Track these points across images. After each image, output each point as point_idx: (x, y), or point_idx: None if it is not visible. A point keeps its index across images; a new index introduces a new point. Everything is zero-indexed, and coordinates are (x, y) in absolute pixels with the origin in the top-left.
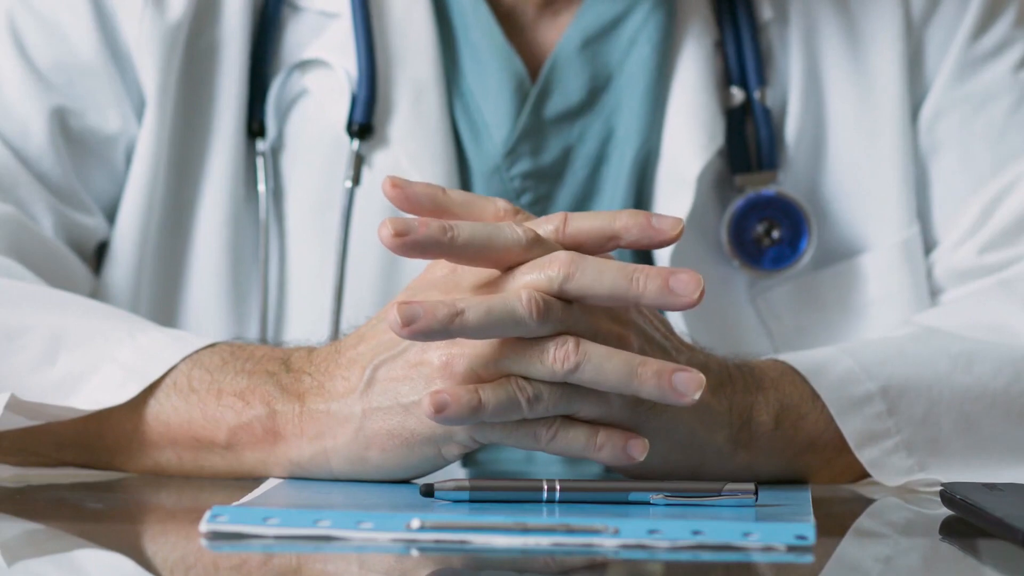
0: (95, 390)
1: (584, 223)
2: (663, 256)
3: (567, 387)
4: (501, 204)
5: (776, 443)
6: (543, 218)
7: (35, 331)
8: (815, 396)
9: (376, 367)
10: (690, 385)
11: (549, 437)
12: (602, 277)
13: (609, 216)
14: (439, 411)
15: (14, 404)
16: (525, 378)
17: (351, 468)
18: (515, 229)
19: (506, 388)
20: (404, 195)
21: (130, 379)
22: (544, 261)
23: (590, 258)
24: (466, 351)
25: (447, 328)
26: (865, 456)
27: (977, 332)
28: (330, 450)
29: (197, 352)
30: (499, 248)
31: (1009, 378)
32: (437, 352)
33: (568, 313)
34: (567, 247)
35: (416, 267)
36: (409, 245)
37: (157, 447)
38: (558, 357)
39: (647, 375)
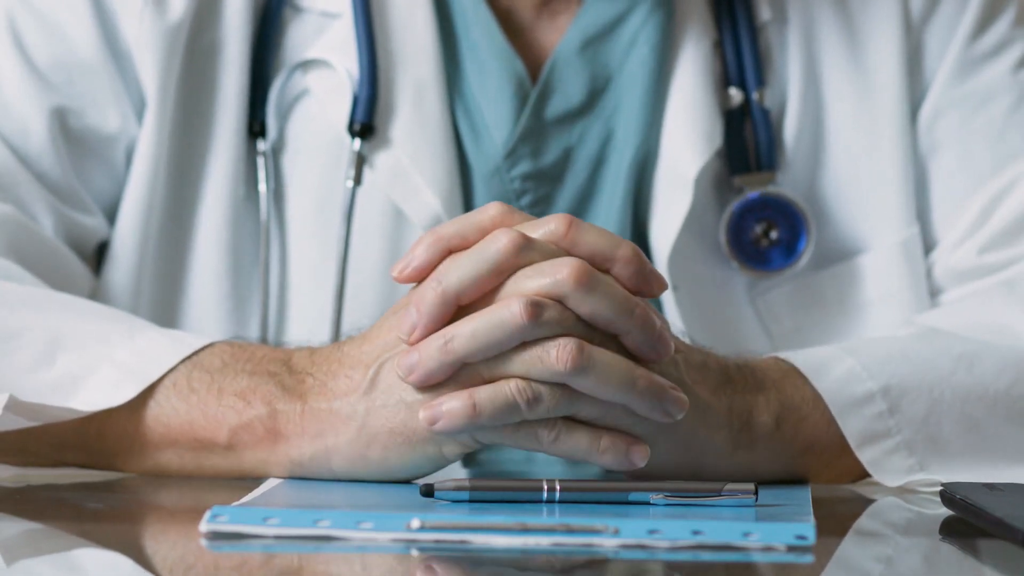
0: (93, 391)
1: (588, 235)
2: (661, 260)
3: (567, 388)
4: (493, 210)
5: (776, 444)
6: (546, 218)
7: (33, 332)
8: (816, 397)
9: (380, 365)
10: (676, 405)
11: (551, 439)
12: (611, 300)
13: (613, 240)
14: (432, 424)
15: (13, 405)
16: (524, 379)
17: (352, 467)
18: (500, 240)
19: (504, 391)
20: (413, 271)
21: (128, 380)
22: (551, 266)
23: (603, 277)
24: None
25: (444, 363)
26: (865, 456)
27: (979, 333)
28: (331, 448)
29: (196, 353)
30: (490, 269)
31: (1011, 379)
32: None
33: (566, 315)
34: (564, 248)
35: None
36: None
37: (158, 448)
38: (560, 358)
39: (642, 387)
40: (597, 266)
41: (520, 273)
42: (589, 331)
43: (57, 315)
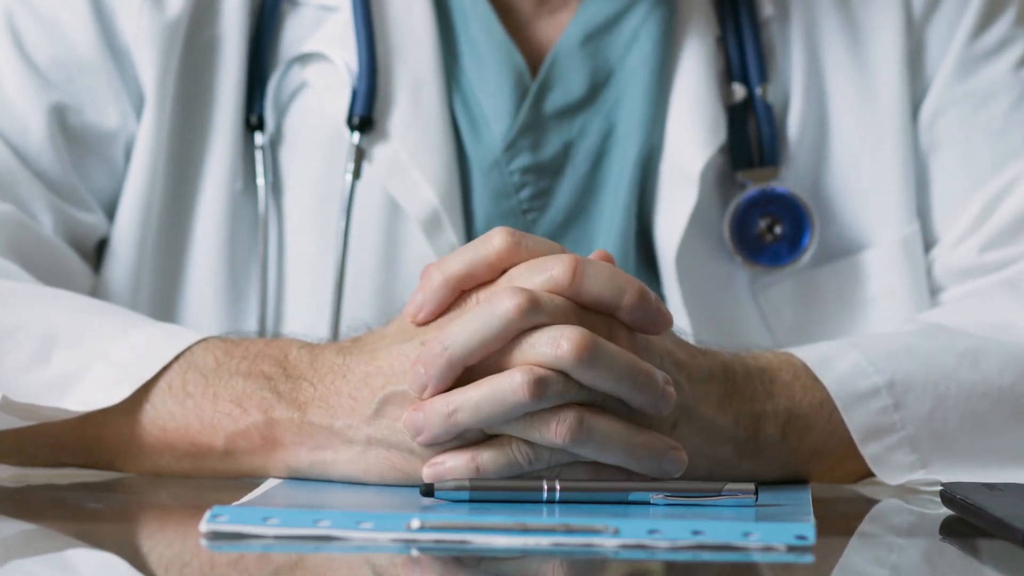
0: (88, 390)
1: (593, 285)
2: (667, 255)
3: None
4: (498, 242)
5: (781, 453)
6: (551, 260)
7: (28, 330)
8: (823, 401)
9: (385, 399)
10: (676, 466)
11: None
12: (613, 372)
13: (619, 287)
14: (436, 479)
15: (7, 404)
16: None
17: (350, 479)
18: (505, 304)
19: (506, 452)
20: (428, 313)
21: (123, 379)
22: (554, 337)
23: (605, 348)
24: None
25: (448, 430)
26: (868, 451)
27: (982, 330)
28: (329, 463)
29: (190, 350)
30: (496, 336)
31: (1015, 376)
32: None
33: (568, 386)
34: (568, 297)
35: (415, 263)
36: (431, 394)
37: (155, 451)
38: (559, 432)
39: (641, 453)
40: (601, 311)
41: (525, 341)
42: (592, 395)
43: (51, 311)
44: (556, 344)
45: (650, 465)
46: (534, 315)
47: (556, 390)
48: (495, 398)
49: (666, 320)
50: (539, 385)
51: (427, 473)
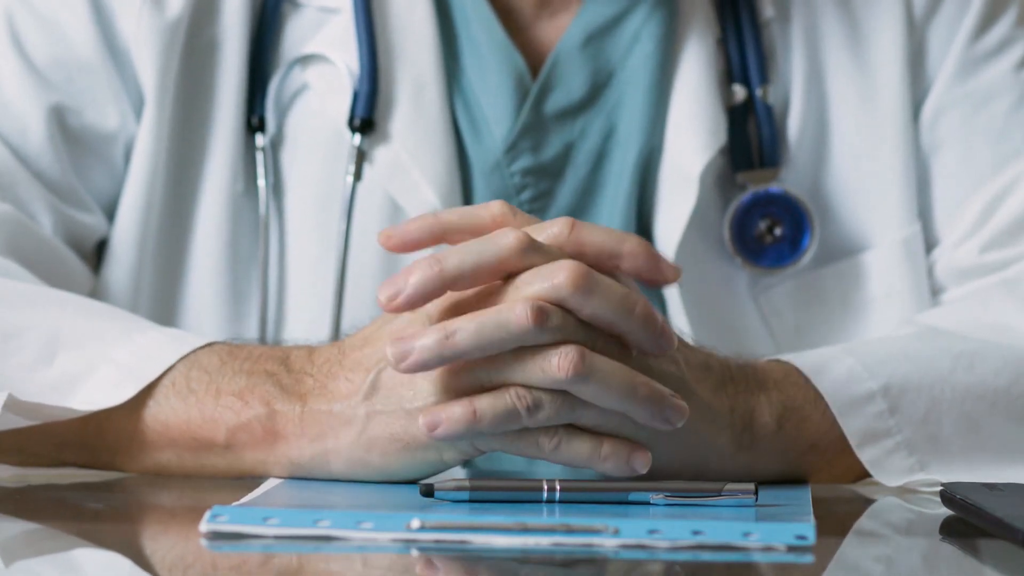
0: (92, 390)
1: (592, 234)
2: (667, 257)
3: (568, 396)
4: (496, 208)
5: (778, 444)
6: (548, 222)
7: (33, 331)
8: (818, 397)
9: (381, 370)
10: (676, 413)
11: (552, 447)
12: (611, 300)
13: (618, 236)
14: (432, 430)
15: (12, 404)
16: (525, 386)
17: (351, 469)
18: (507, 236)
19: (504, 398)
20: (400, 242)
21: (127, 380)
22: (550, 270)
23: (602, 278)
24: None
25: (442, 355)
26: (866, 455)
27: (979, 332)
28: (331, 451)
29: (195, 352)
30: (492, 262)
31: (1010, 378)
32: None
33: (568, 320)
34: (568, 252)
35: None
36: (405, 302)
37: (157, 447)
38: (562, 366)
39: (643, 395)
40: (604, 264)
41: (520, 278)
42: (591, 336)
43: (56, 313)
44: (552, 275)
45: (651, 411)
46: (531, 254)
47: (556, 322)
48: (498, 323)
49: (672, 269)
50: (542, 312)
51: (424, 422)
